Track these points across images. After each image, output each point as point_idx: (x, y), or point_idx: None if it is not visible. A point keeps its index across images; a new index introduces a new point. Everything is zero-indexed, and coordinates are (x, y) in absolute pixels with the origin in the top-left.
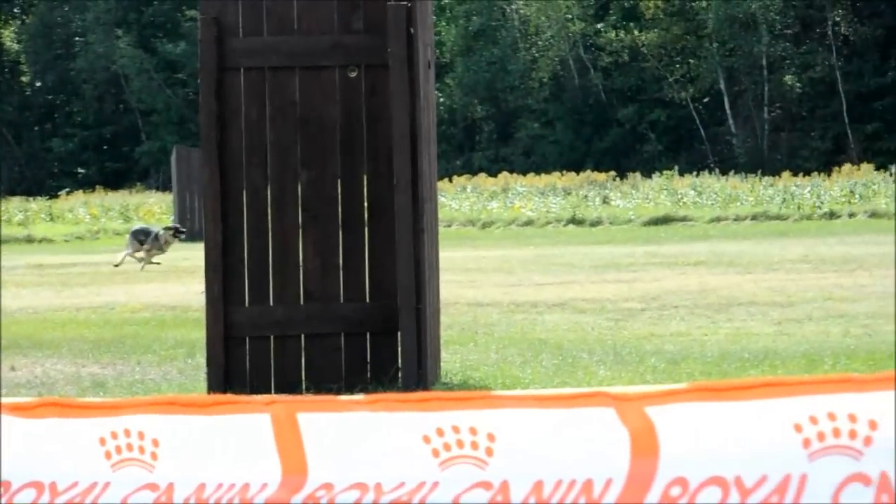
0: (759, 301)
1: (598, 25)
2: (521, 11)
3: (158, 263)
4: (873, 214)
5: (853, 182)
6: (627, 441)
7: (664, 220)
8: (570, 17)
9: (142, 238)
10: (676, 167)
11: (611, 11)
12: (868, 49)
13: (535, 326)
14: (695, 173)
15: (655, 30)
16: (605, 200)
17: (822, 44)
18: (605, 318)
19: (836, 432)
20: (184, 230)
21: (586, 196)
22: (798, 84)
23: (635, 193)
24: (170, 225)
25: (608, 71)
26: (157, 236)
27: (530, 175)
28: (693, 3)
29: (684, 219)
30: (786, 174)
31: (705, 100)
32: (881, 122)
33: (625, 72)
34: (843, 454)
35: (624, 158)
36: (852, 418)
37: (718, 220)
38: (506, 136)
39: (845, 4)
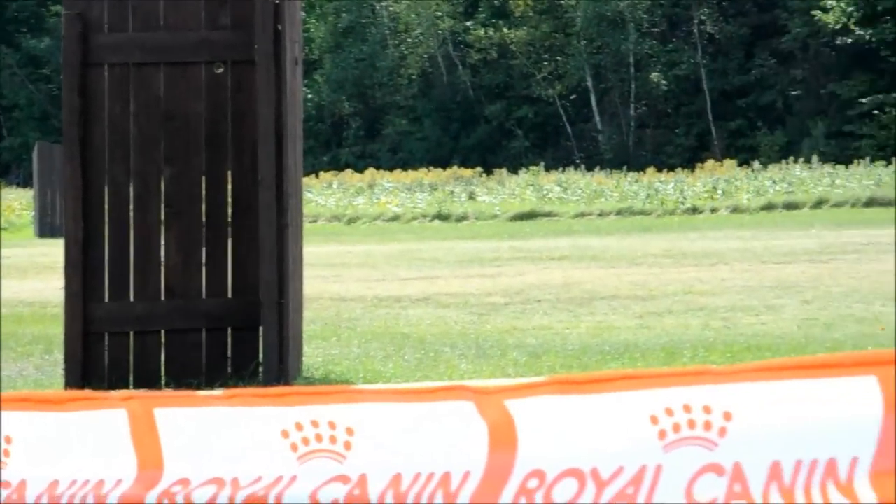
0: (622, 295)
1: (468, 23)
2: (391, 9)
3: None
4: (735, 210)
5: (716, 178)
6: (486, 434)
7: (529, 216)
8: (439, 14)
9: None
10: (542, 163)
11: (480, 9)
12: (733, 47)
13: (399, 321)
14: (561, 169)
15: (524, 27)
16: (471, 196)
17: (687, 42)
18: (468, 312)
19: (692, 424)
20: None
21: (452, 192)
22: (664, 81)
23: (501, 189)
24: None
25: (476, 68)
26: None
27: (397, 171)
28: (561, 2)
29: (549, 214)
30: (650, 170)
31: (572, 97)
32: (744, 119)
33: (493, 69)
34: (697, 445)
35: (491, 155)
36: (707, 410)
37: (583, 215)
38: (373, 133)
39: (711, 3)
